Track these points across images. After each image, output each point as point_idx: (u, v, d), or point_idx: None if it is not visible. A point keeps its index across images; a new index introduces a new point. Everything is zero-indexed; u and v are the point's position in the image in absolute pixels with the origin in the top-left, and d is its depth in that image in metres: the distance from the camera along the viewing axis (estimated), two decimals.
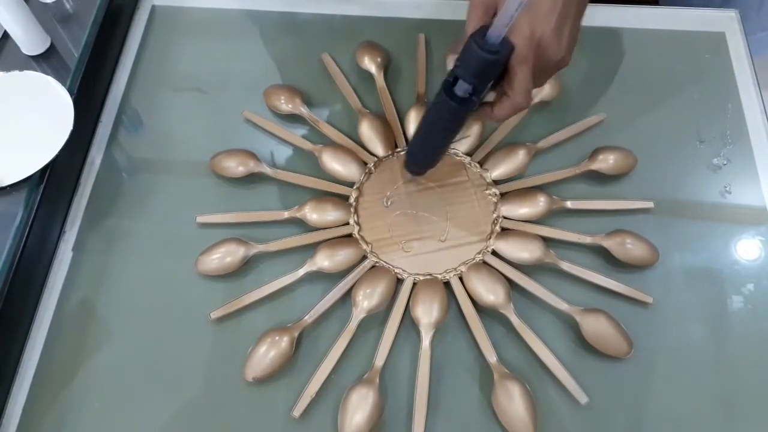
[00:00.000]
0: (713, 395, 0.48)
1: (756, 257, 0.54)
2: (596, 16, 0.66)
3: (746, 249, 0.54)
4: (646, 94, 0.62)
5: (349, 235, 0.54)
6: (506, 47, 0.39)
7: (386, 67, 0.62)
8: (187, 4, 0.68)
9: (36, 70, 0.55)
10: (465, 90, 0.40)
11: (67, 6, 0.61)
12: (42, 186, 0.52)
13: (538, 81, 0.42)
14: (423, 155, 0.51)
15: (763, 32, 0.74)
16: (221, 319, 0.51)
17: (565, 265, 0.51)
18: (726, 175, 0.57)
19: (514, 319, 0.49)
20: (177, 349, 0.50)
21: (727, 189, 0.57)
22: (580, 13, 0.43)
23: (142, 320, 0.51)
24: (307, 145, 0.58)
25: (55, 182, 0.53)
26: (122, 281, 0.53)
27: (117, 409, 0.48)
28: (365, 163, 0.57)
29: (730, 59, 0.63)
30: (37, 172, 0.51)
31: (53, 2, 0.61)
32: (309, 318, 0.50)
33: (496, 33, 0.37)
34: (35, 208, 0.51)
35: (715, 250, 0.54)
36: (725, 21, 0.65)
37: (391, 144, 0.57)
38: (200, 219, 0.55)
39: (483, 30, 0.38)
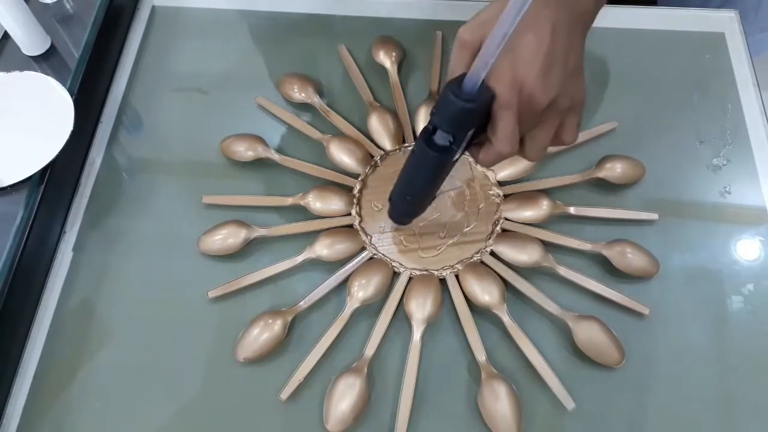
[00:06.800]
0: (710, 404, 0.48)
1: (756, 257, 0.54)
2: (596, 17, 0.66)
3: (746, 249, 0.54)
4: (645, 94, 0.62)
5: (350, 226, 0.54)
6: (486, 94, 0.36)
7: (401, 63, 0.63)
8: (188, 4, 0.68)
9: (36, 71, 0.56)
10: (444, 138, 0.38)
11: (68, 6, 0.61)
12: (42, 186, 0.52)
13: (526, 126, 0.40)
14: (406, 205, 0.48)
15: (762, 33, 0.74)
16: (218, 301, 0.51)
17: (563, 270, 0.51)
18: (726, 175, 0.57)
19: (507, 320, 0.49)
20: (177, 347, 0.50)
21: (727, 189, 0.57)
22: (575, 48, 0.39)
23: (142, 320, 0.51)
24: (315, 134, 0.58)
25: (55, 182, 0.53)
26: (122, 281, 0.53)
27: (117, 409, 0.48)
28: (372, 156, 0.57)
29: (729, 59, 0.63)
30: (37, 172, 0.51)
31: (54, 3, 0.61)
32: (304, 304, 0.50)
33: (472, 81, 0.35)
34: (35, 208, 0.51)
35: (714, 251, 0.54)
36: (725, 21, 0.65)
37: (399, 139, 0.58)
38: (206, 199, 0.56)
39: (462, 77, 0.36)
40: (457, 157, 0.41)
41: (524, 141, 0.42)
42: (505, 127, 0.38)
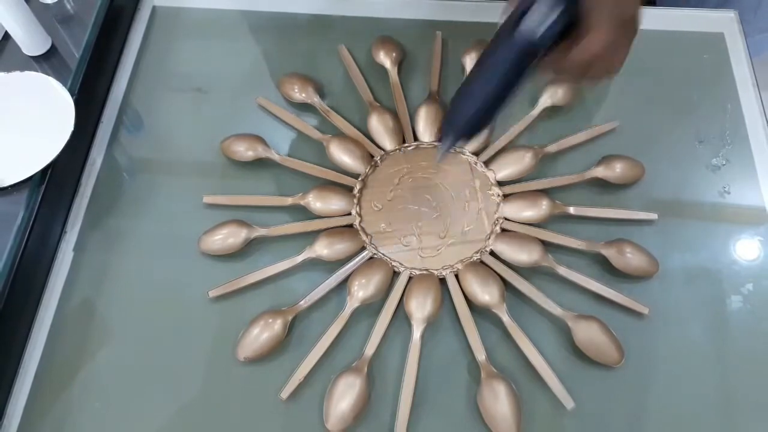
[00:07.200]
0: (710, 404, 0.48)
1: (755, 257, 0.54)
2: None
3: (745, 249, 0.54)
4: (645, 94, 0.62)
5: (350, 226, 0.54)
6: None
7: (401, 63, 0.63)
8: (188, 4, 0.68)
9: (37, 71, 0.56)
10: (536, 23, 0.36)
11: (68, 6, 0.61)
12: (43, 186, 0.52)
13: (614, 25, 0.40)
14: (470, 115, 0.41)
15: (761, 34, 0.73)
16: (218, 301, 0.51)
17: (562, 270, 0.51)
18: (725, 175, 0.58)
19: (506, 320, 0.49)
20: (177, 347, 0.50)
21: (726, 189, 0.57)
22: None
23: (142, 320, 0.52)
24: (316, 135, 0.59)
25: (56, 182, 0.53)
26: (123, 281, 0.53)
27: (118, 409, 0.48)
28: (372, 156, 0.57)
29: (729, 59, 0.63)
30: (38, 172, 0.51)
31: (54, 3, 0.61)
32: (304, 303, 0.50)
33: None
34: (36, 208, 0.51)
35: (714, 251, 0.54)
36: (724, 21, 0.65)
37: (399, 139, 0.58)
38: (206, 199, 0.56)
39: None
40: (539, 55, 0.38)
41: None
42: (598, 23, 0.38)
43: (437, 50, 0.63)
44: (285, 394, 0.47)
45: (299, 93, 0.60)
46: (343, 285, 0.51)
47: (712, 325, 0.51)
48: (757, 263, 0.53)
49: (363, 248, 0.53)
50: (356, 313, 0.50)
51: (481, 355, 0.48)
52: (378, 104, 0.60)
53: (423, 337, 0.49)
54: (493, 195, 0.55)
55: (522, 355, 0.48)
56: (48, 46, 0.58)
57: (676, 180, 0.57)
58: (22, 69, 0.55)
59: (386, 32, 0.64)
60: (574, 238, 0.53)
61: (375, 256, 0.53)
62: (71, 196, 0.56)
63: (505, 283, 0.51)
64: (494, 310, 0.49)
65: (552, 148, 0.57)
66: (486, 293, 0.50)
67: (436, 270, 0.52)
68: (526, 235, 0.53)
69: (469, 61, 0.62)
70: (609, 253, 0.52)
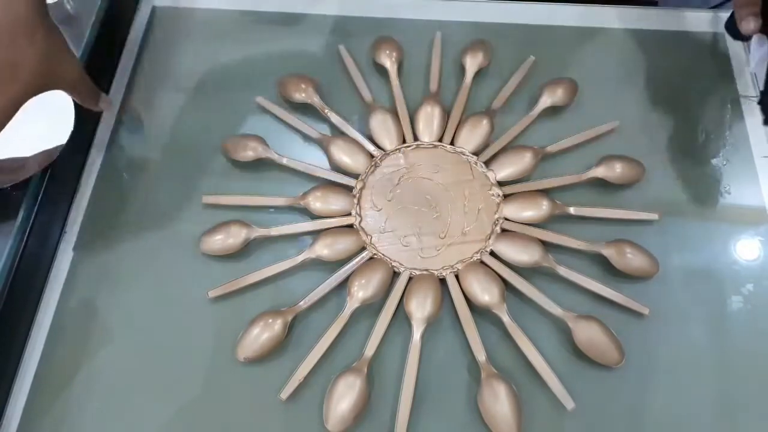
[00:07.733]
0: (709, 404, 0.48)
1: (756, 257, 0.54)
2: (596, 17, 0.66)
3: (746, 249, 0.54)
4: (645, 94, 0.62)
5: (350, 226, 0.54)
6: None
7: (401, 63, 0.63)
8: (188, 5, 0.68)
9: None
10: None
11: (68, 7, 0.61)
12: (43, 186, 0.52)
13: None
14: None
15: None
16: (218, 301, 0.51)
17: (563, 270, 0.51)
18: (725, 175, 0.58)
19: (507, 320, 0.49)
20: (177, 347, 0.50)
21: (727, 189, 0.57)
22: None
23: (142, 320, 0.51)
24: (316, 135, 0.58)
25: (55, 182, 0.53)
26: (122, 281, 0.53)
27: (118, 409, 0.48)
28: (372, 156, 0.57)
29: (729, 59, 0.63)
30: (37, 172, 0.51)
31: (53, 3, 0.61)
32: (304, 303, 0.50)
33: None
34: (36, 208, 0.51)
35: (714, 251, 0.54)
36: (725, 21, 0.65)
37: (400, 138, 0.58)
38: (206, 199, 0.56)
39: None
40: None
41: None
42: None
43: (437, 50, 0.63)
44: (285, 394, 0.47)
45: (299, 93, 0.60)
46: (343, 285, 0.51)
47: (712, 325, 0.51)
48: (758, 263, 0.53)
49: (363, 248, 0.53)
50: (356, 314, 0.50)
51: (481, 356, 0.48)
52: (378, 104, 0.60)
53: (423, 337, 0.49)
54: (493, 195, 0.55)
55: (522, 355, 0.48)
56: None
57: (676, 180, 0.57)
58: None
59: (386, 32, 0.64)
60: (575, 239, 0.53)
61: (375, 256, 0.53)
62: (71, 195, 0.56)
63: (506, 284, 0.51)
64: (494, 311, 0.49)
65: (552, 148, 0.57)
66: (486, 293, 0.50)
67: (436, 270, 0.52)
68: (527, 235, 0.53)
69: (469, 61, 0.62)
70: (609, 253, 0.52)
